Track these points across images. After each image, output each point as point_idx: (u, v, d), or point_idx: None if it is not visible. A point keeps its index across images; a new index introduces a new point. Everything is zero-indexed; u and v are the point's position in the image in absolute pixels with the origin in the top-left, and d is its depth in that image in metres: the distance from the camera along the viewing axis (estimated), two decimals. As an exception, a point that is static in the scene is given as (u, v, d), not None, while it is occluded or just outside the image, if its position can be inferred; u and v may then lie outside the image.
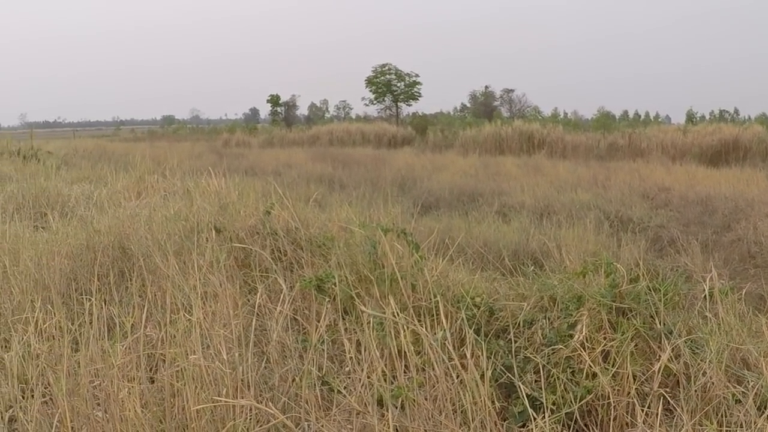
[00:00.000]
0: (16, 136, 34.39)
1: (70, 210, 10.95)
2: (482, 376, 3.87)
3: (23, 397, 4.42)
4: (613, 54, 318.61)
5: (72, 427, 4.00)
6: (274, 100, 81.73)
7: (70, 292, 6.23)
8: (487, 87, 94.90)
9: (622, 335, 4.52)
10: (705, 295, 5.15)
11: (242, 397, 3.90)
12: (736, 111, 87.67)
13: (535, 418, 3.78)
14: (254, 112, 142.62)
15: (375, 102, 75.15)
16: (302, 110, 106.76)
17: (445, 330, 4.06)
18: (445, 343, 4.02)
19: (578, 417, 4.17)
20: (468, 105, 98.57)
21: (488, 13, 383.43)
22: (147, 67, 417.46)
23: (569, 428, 4.15)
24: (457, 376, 3.92)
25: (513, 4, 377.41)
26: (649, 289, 4.97)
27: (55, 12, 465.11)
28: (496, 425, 3.97)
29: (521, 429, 4.09)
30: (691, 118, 52.96)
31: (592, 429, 4.23)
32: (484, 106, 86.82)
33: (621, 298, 4.87)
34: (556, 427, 3.99)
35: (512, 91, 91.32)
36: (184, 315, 4.47)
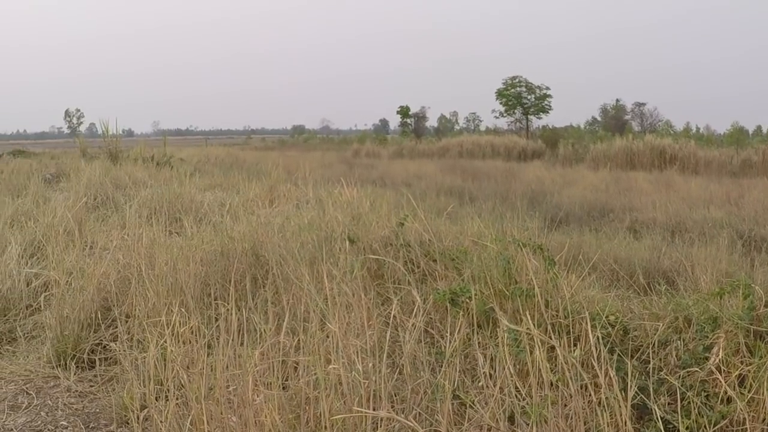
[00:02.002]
0: (150, 143, 35.20)
1: (203, 216, 11.19)
2: (621, 396, 3.84)
3: (157, 399, 4.54)
4: (748, 68, 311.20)
5: (205, 430, 4.09)
6: (404, 112, 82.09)
7: (204, 297, 6.38)
8: (618, 100, 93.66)
9: (759, 360, 4.42)
10: None
11: (375, 408, 3.94)
12: None
13: (668, 442, 3.73)
14: (384, 123, 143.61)
15: (505, 114, 74.94)
16: (432, 122, 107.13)
17: (580, 348, 4.04)
18: (578, 362, 4.00)
19: (713, 442, 4.09)
20: (599, 119, 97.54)
21: (617, 27, 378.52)
22: (279, 79, 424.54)
23: (702, 453, 4.07)
24: (595, 394, 3.89)
25: (642, 18, 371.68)
26: (789, 313, 4.85)
27: (189, 33, 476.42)
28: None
29: (654, 452, 4.04)
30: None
31: (727, 455, 4.15)
32: (614, 120, 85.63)
33: (759, 322, 4.77)
34: (690, 452, 3.93)
35: (644, 104, 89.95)
36: (317, 324, 4.54)
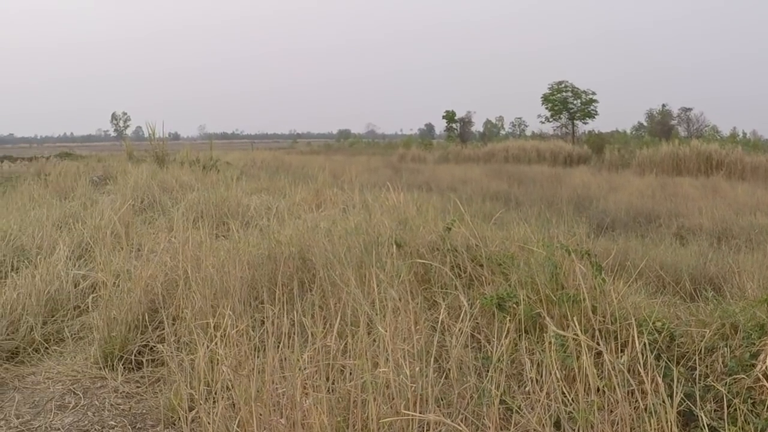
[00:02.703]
0: (196, 146, 35.40)
1: (250, 219, 11.28)
2: (668, 402, 3.84)
3: (205, 400, 4.59)
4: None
5: (253, 432, 4.14)
6: (450, 116, 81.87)
7: (251, 300, 6.43)
8: (664, 105, 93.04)
9: (807, 367, 4.40)
10: None
11: (422, 412, 3.97)
12: None
13: (715, 449, 3.74)
14: (429, 127, 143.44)
15: (551, 119, 74.62)
16: (477, 126, 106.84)
17: (628, 354, 4.04)
18: (626, 367, 4.01)
19: (760, 449, 4.09)
20: (645, 124, 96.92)
21: (663, 28, 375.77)
22: (325, 82, 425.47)
23: (750, 461, 4.07)
24: (642, 401, 3.89)
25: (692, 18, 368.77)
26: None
27: (235, 34, 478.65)
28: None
29: (701, 458, 4.04)
30: None
31: (773, 462, 4.14)
32: (660, 125, 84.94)
33: (805, 330, 4.75)
34: (737, 458, 3.92)
35: (690, 109, 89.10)
36: (364, 327, 4.57)
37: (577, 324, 4.15)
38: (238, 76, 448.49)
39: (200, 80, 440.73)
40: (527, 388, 4.30)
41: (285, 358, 4.47)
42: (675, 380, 3.88)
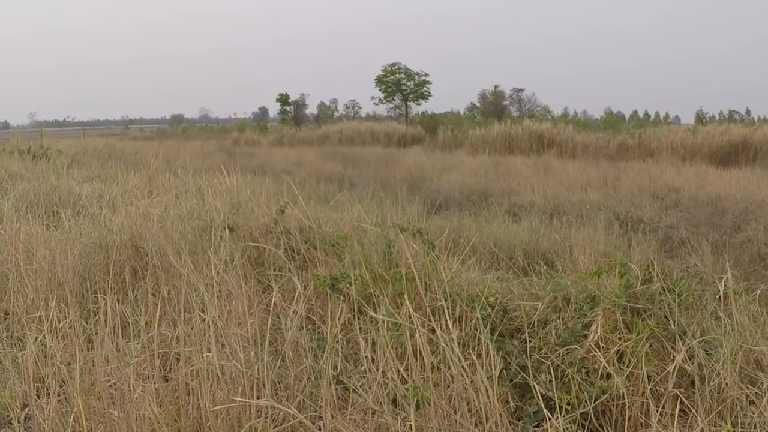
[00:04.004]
0: (26, 135, 34.29)
1: (81, 209, 10.96)
2: (498, 376, 3.88)
3: (38, 396, 4.43)
4: (625, 52, 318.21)
5: (87, 426, 4.01)
6: (284, 99, 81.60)
7: (84, 291, 6.25)
8: (496, 86, 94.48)
9: (636, 336, 4.52)
10: (719, 296, 5.15)
11: (258, 397, 3.91)
12: (748, 111, 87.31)
13: (549, 418, 3.79)
14: (263, 111, 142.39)
15: (384, 101, 75.02)
16: (311, 109, 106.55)
17: (460, 330, 4.07)
18: (459, 343, 4.02)
19: (593, 417, 4.17)
20: (478, 104, 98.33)
21: (496, 7, 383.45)
22: (155, 65, 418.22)
23: (584, 428, 4.15)
24: (476, 375, 3.92)
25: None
26: (663, 290, 4.97)
27: (60, 9, 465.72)
28: (511, 425, 3.98)
29: (536, 429, 4.10)
30: (700, 118, 52.82)
31: (607, 429, 4.24)
32: (493, 106, 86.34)
33: (635, 299, 4.88)
34: (571, 427, 3.99)
35: (522, 90, 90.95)
36: (198, 314, 4.48)
37: (409, 302, 4.15)
38: (69, 62, 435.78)
39: (30, 68, 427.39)
40: (363, 368, 4.28)
41: (119, 349, 4.34)
42: (506, 353, 3.92)
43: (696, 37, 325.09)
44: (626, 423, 4.19)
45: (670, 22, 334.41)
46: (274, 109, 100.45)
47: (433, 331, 4.11)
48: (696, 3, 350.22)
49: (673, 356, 4.40)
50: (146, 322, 4.60)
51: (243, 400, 3.80)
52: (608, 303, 4.80)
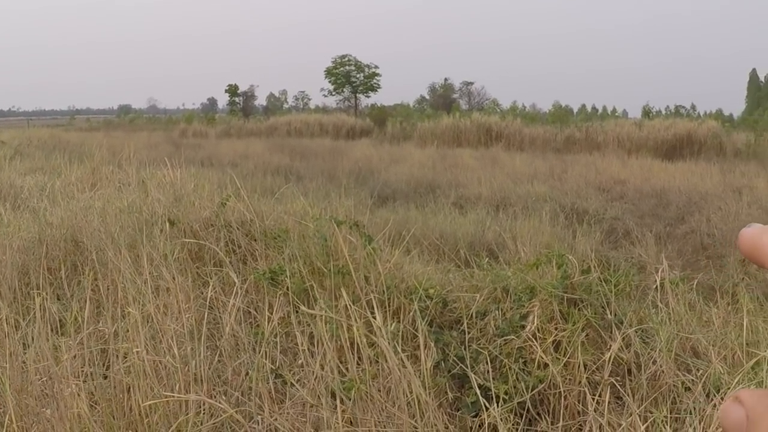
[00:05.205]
0: (-31, 126, 33.79)
1: (23, 202, 10.83)
2: (435, 367, 3.90)
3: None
4: (574, 48, 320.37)
5: (20, 426, 3.96)
6: (232, 90, 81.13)
7: (22, 287, 6.17)
8: (446, 79, 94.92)
9: (573, 325, 4.57)
10: (656, 286, 5.22)
11: (196, 392, 3.89)
12: (693, 107, 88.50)
13: (487, 408, 3.81)
14: (212, 102, 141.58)
15: (334, 93, 74.95)
16: (261, 100, 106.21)
17: (397, 322, 4.08)
18: (397, 335, 4.04)
19: (530, 406, 4.22)
20: (427, 97, 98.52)
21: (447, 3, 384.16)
22: (103, 53, 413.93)
23: (522, 417, 4.18)
24: (414, 367, 3.93)
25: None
26: (601, 280, 5.02)
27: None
28: (449, 416, 4.00)
29: (474, 419, 4.12)
30: (647, 113, 53.28)
31: (545, 417, 4.27)
32: (443, 99, 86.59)
33: (572, 289, 4.93)
34: (509, 417, 4.02)
35: (471, 83, 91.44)
36: (135, 309, 4.45)
37: (347, 295, 4.15)
38: (12, 51, 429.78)
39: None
40: (301, 361, 4.28)
41: (57, 347, 4.30)
42: (444, 344, 3.94)
43: (645, 35, 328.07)
44: (563, 411, 4.23)
45: (620, 20, 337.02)
46: (223, 100, 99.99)
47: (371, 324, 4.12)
48: (650, 3, 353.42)
49: (610, 345, 4.45)
50: (84, 319, 4.55)
51: (172, 395, 3.78)
52: (545, 294, 4.84)
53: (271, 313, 4.33)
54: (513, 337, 4.60)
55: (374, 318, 3.98)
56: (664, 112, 69.18)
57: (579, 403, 4.30)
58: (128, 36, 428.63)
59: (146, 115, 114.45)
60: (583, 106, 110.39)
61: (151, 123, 77.89)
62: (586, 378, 4.32)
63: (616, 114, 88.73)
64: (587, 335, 4.63)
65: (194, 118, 67.39)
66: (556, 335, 4.59)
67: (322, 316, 4.13)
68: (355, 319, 3.99)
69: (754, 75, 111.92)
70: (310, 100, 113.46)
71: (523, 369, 4.41)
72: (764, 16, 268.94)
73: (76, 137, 41.98)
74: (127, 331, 4.34)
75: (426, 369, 3.86)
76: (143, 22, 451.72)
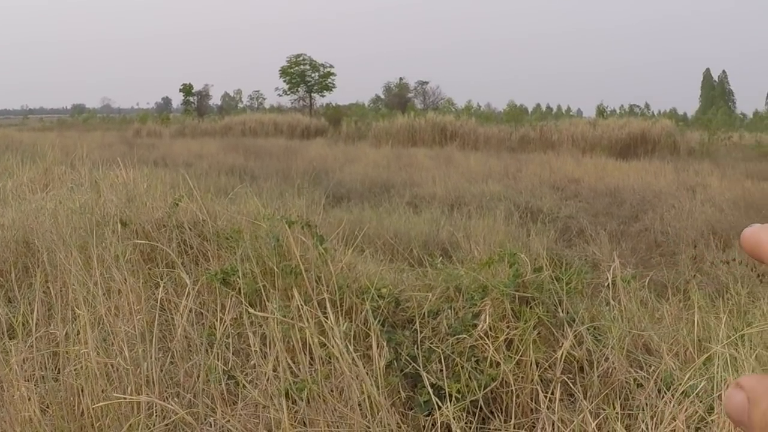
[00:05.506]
0: None
1: (-28, 204, 10.71)
2: (388, 366, 3.90)
3: None
4: (530, 49, 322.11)
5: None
6: (187, 90, 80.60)
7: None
8: (401, 79, 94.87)
9: (524, 324, 4.59)
10: (608, 284, 5.26)
11: (146, 394, 3.87)
12: (647, 106, 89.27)
13: (440, 407, 3.82)
14: (166, 101, 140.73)
15: (289, 92, 74.69)
16: (215, 100, 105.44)
17: (349, 322, 4.08)
18: (350, 335, 4.04)
19: (483, 404, 4.24)
20: (382, 97, 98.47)
21: (402, 3, 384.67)
22: (57, 52, 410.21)
23: (474, 416, 4.20)
24: (367, 366, 3.93)
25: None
26: (553, 279, 5.05)
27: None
28: (402, 415, 4.01)
29: (427, 418, 4.13)
30: (601, 112, 53.64)
31: (497, 416, 4.29)
32: (398, 98, 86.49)
33: (525, 288, 4.95)
34: (462, 415, 4.04)
35: (426, 83, 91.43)
36: (87, 311, 4.41)
37: (299, 295, 4.15)
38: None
39: None
40: (253, 362, 4.27)
41: (7, 350, 4.26)
42: (397, 344, 3.95)
43: (599, 38, 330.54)
44: (516, 409, 4.25)
45: (574, 20, 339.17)
46: (177, 100, 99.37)
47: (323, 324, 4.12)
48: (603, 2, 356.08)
49: (562, 343, 4.48)
50: (34, 322, 4.52)
51: (123, 396, 3.76)
52: (497, 293, 4.86)
53: (224, 314, 4.32)
54: (465, 335, 4.61)
55: (326, 318, 3.98)
56: (618, 111, 69.71)
57: (531, 400, 4.32)
58: (82, 35, 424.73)
59: (100, 114, 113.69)
60: (538, 105, 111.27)
61: (105, 123, 77.43)
62: (539, 376, 4.35)
63: (571, 113, 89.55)
64: (539, 333, 4.66)
65: (148, 117, 66.88)
66: (508, 333, 4.61)
67: (275, 316, 4.13)
68: (307, 320, 3.98)
69: (707, 75, 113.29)
70: (265, 99, 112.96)
71: (476, 367, 4.42)
72: (716, 17, 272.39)
73: (28, 137, 41.56)
74: (78, 333, 4.31)
75: (379, 369, 3.86)
76: (97, 21, 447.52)
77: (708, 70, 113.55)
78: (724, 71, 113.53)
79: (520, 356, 4.44)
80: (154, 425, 3.80)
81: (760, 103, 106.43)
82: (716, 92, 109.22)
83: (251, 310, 4.35)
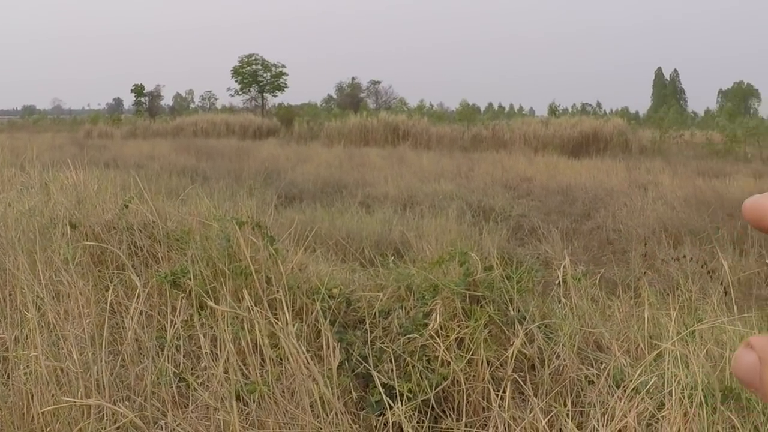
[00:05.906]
0: None
1: None
2: (339, 366, 3.90)
3: None
4: (481, 52, 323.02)
5: None
6: (138, 90, 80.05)
7: None
8: (353, 79, 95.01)
9: (475, 322, 4.60)
10: (559, 282, 5.29)
11: (96, 398, 3.85)
12: (599, 104, 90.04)
13: (391, 407, 3.83)
14: (118, 102, 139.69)
15: (241, 93, 74.42)
16: (167, 100, 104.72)
17: (300, 323, 4.08)
18: (300, 336, 4.04)
19: (435, 404, 4.24)
20: (335, 96, 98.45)
21: (355, 4, 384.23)
22: (5, 53, 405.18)
23: (426, 415, 4.20)
24: (318, 367, 3.93)
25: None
26: (503, 277, 5.07)
27: None
28: (353, 415, 4.01)
29: (379, 418, 4.13)
30: (553, 110, 53.92)
31: (449, 415, 4.30)
32: (350, 98, 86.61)
33: (475, 287, 4.96)
34: (414, 415, 4.05)
35: (379, 82, 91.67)
36: (36, 315, 4.38)
37: (249, 296, 4.14)
38: None
39: None
40: (204, 364, 4.26)
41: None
42: (348, 344, 3.95)
43: (553, 39, 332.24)
44: (467, 408, 4.26)
45: (524, 22, 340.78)
46: (129, 101, 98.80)
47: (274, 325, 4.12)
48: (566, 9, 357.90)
49: (513, 341, 4.50)
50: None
51: (72, 400, 3.73)
52: (448, 292, 4.88)
53: (174, 317, 4.30)
54: (416, 335, 4.62)
55: (276, 319, 3.98)
56: (570, 110, 70.21)
57: (483, 399, 4.34)
58: (32, 35, 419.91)
59: (51, 115, 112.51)
60: (491, 104, 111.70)
61: (56, 124, 76.66)
62: (490, 374, 4.37)
63: (523, 112, 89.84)
64: (490, 332, 4.67)
65: (99, 118, 66.38)
66: (459, 332, 4.63)
67: (224, 317, 4.12)
68: (257, 321, 3.98)
69: (659, 73, 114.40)
70: (217, 99, 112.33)
71: (427, 367, 4.43)
72: (666, 15, 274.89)
73: (-23, 139, 41.08)
74: (27, 337, 4.28)
75: (331, 369, 3.86)
76: (47, 21, 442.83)
77: (660, 69, 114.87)
78: (675, 70, 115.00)
79: (471, 355, 4.45)
80: (104, 429, 3.78)
81: (712, 102, 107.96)
82: (668, 91, 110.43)
83: (211, 303, 4.34)
